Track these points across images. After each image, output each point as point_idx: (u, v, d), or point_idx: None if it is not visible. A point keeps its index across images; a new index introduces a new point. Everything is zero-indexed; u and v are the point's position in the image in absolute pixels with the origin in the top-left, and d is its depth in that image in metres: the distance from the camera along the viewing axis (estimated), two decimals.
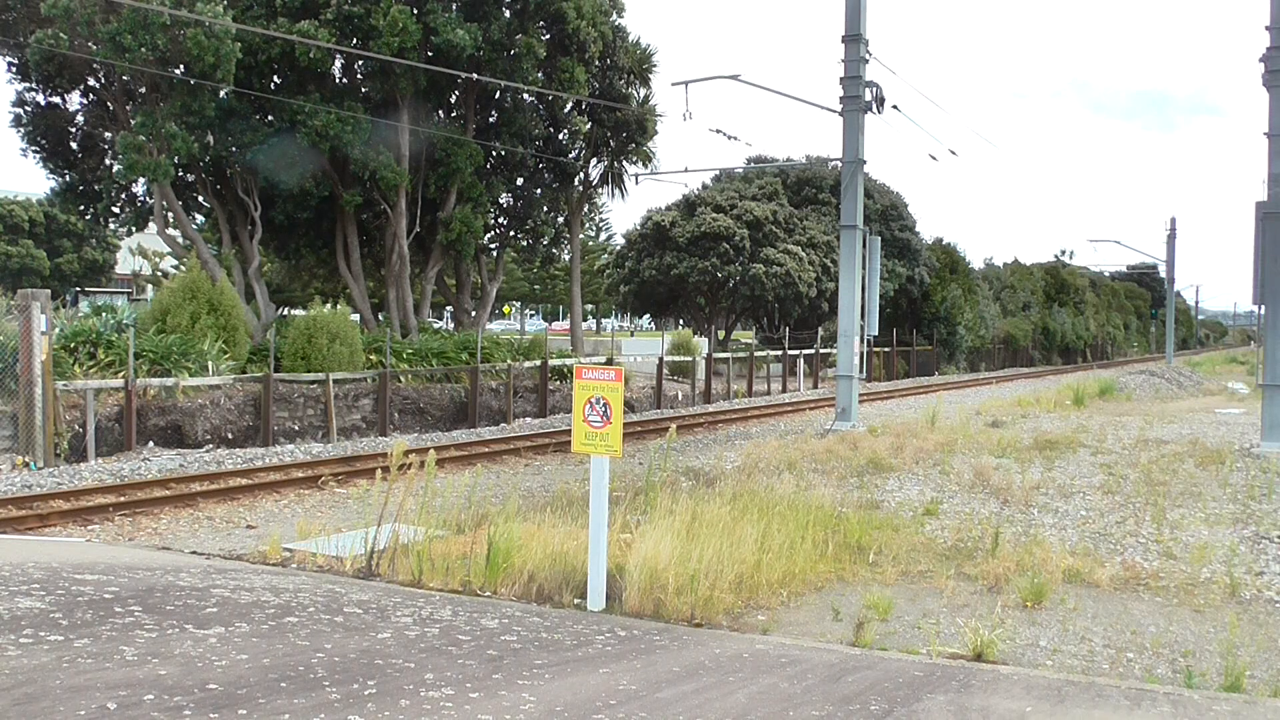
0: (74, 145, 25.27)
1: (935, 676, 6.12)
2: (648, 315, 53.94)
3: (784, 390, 36.56)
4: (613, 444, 7.70)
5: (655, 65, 32.57)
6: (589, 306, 73.46)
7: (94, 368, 18.14)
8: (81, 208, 26.03)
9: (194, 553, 9.68)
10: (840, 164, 20.70)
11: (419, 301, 30.65)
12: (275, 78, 25.45)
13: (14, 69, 23.67)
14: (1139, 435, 16.75)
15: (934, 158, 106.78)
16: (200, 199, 27.67)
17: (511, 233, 33.91)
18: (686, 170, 43.13)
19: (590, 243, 63.35)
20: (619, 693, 5.23)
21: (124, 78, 22.40)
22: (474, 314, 33.11)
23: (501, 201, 32.08)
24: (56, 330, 17.86)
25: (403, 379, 23.75)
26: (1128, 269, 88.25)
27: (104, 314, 22.76)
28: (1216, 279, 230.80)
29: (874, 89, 19.81)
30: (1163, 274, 67.96)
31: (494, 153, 29.84)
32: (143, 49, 20.03)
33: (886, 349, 44.53)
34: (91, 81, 24.08)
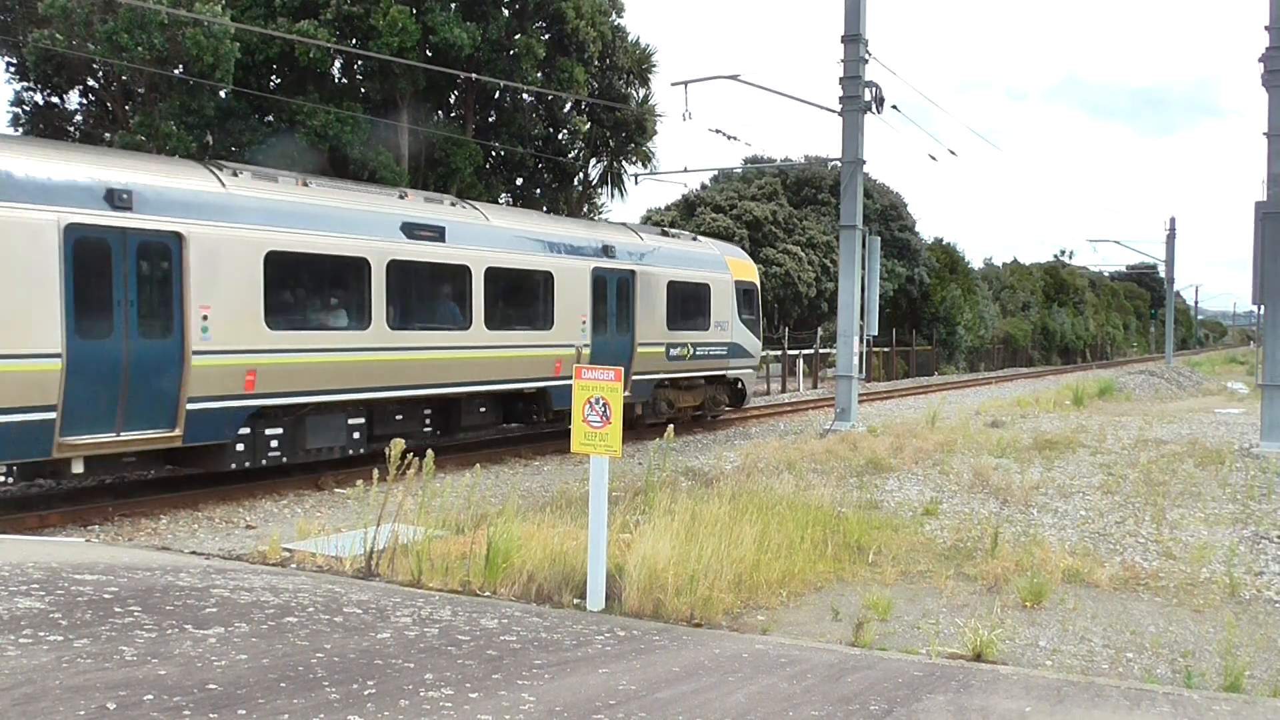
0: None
1: (935, 676, 6.12)
2: None
3: (783, 390, 36.56)
4: (612, 444, 7.70)
5: (655, 65, 32.57)
6: None
7: None
8: None
9: (193, 553, 9.68)
10: (840, 164, 20.70)
11: None
12: (274, 77, 25.45)
13: (12, 69, 23.67)
14: (1138, 435, 16.76)
15: (934, 158, 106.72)
16: None
17: None
18: (686, 170, 43.07)
19: None
20: (619, 693, 5.23)
21: (123, 77, 22.39)
22: None
23: (501, 201, 32.10)
24: None
25: None
26: (1127, 269, 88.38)
27: None
28: (1216, 279, 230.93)
29: (874, 89, 19.82)
30: (1162, 274, 67.95)
31: (493, 153, 29.84)
32: (140, 48, 20.02)
33: (886, 349, 44.54)
34: (90, 81, 24.08)
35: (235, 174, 12.95)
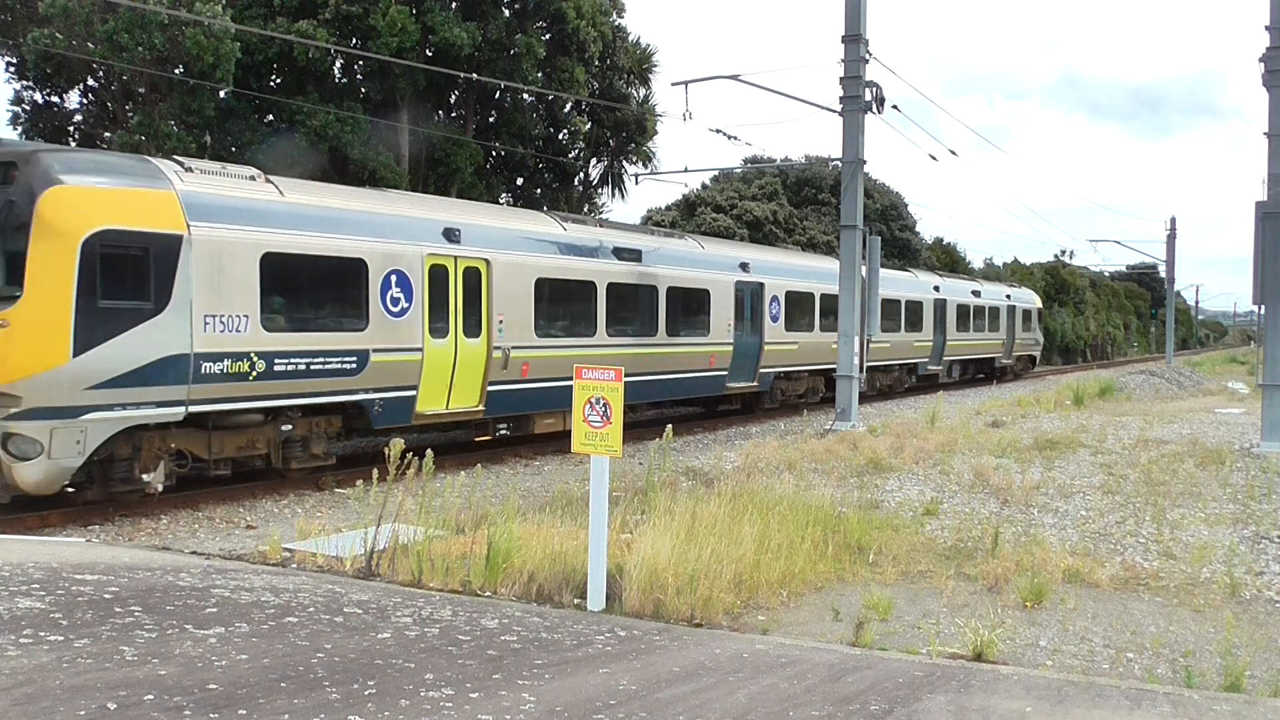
0: (72, 144, 25.25)
1: (935, 676, 6.12)
2: None
3: None
4: (613, 444, 7.70)
5: (655, 65, 32.59)
6: None
7: None
8: None
9: (194, 553, 9.67)
10: (840, 164, 20.68)
11: None
12: (274, 77, 25.44)
13: (12, 68, 23.66)
14: (1139, 435, 16.75)
15: (934, 158, 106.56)
16: None
17: None
18: (686, 170, 43.07)
19: None
20: (619, 693, 5.23)
21: (123, 77, 22.39)
22: None
23: (501, 201, 32.09)
24: None
25: None
26: (1128, 269, 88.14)
27: None
28: (1217, 279, 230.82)
29: (874, 89, 19.79)
30: (1163, 274, 67.89)
31: (494, 153, 29.84)
32: (141, 48, 20.02)
33: None
34: (90, 81, 24.07)
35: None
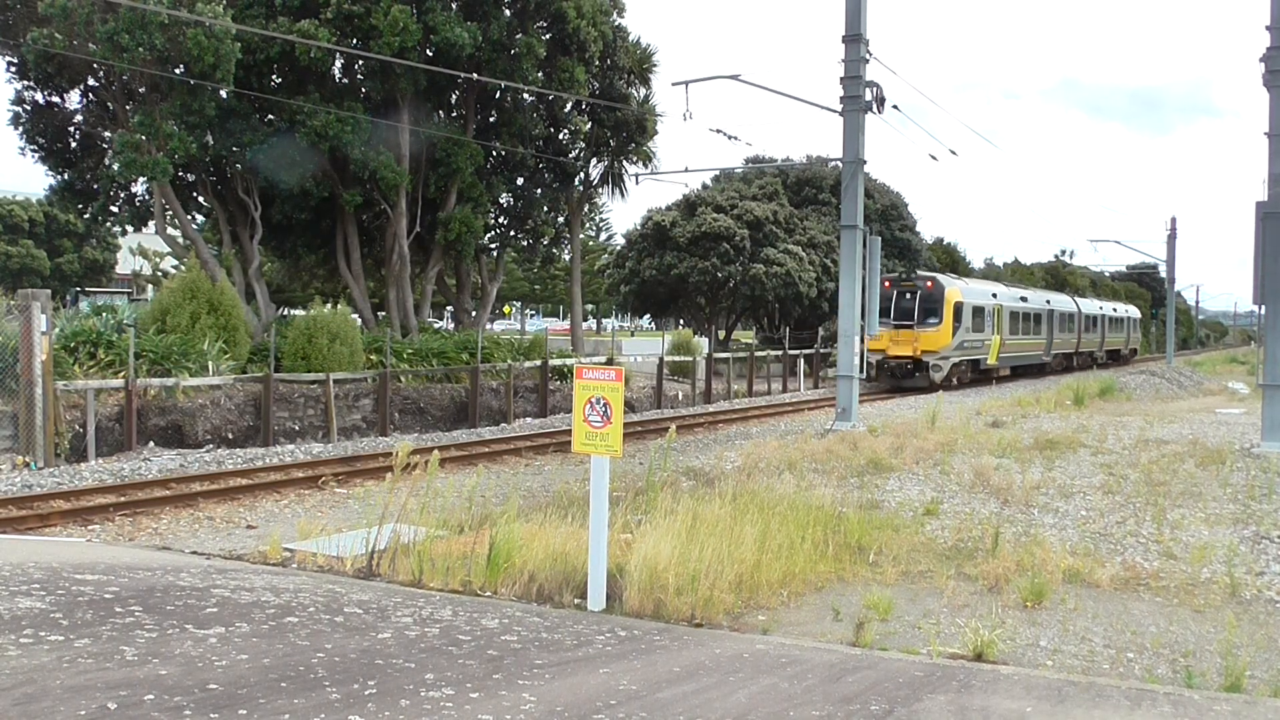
0: (73, 144, 25.25)
1: (935, 676, 6.12)
2: (648, 315, 53.92)
3: (784, 390, 36.55)
4: (613, 444, 7.70)
5: (655, 65, 32.59)
6: (589, 306, 73.44)
7: (94, 368, 18.16)
8: (79, 206, 26.03)
9: (194, 553, 9.68)
10: (840, 164, 20.68)
11: (419, 301, 30.67)
12: (275, 77, 25.43)
13: (12, 68, 23.66)
14: (1139, 435, 16.75)
15: (934, 158, 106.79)
16: (200, 199, 27.68)
17: (511, 233, 33.91)
18: (687, 170, 43.31)
19: (590, 243, 63.32)
20: (619, 693, 5.23)
21: (123, 77, 22.39)
22: (474, 314, 33.12)
23: (501, 201, 32.08)
24: (57, 330, 17.87)
25: (403, 379, 23.75)
26: (1128, 269, 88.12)
27: (104, 314, 22.77)
28: (1217, 279, 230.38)
29: (874, 89, 19.78)
30: (1163, 274, 67.89)
31: (494, 153, 29.83)
32: (141, 49, 20.03)
33: None
34: (91, 81, 24.07)
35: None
